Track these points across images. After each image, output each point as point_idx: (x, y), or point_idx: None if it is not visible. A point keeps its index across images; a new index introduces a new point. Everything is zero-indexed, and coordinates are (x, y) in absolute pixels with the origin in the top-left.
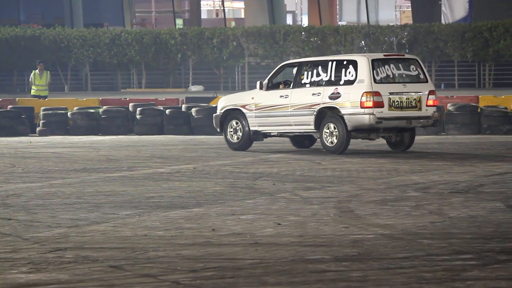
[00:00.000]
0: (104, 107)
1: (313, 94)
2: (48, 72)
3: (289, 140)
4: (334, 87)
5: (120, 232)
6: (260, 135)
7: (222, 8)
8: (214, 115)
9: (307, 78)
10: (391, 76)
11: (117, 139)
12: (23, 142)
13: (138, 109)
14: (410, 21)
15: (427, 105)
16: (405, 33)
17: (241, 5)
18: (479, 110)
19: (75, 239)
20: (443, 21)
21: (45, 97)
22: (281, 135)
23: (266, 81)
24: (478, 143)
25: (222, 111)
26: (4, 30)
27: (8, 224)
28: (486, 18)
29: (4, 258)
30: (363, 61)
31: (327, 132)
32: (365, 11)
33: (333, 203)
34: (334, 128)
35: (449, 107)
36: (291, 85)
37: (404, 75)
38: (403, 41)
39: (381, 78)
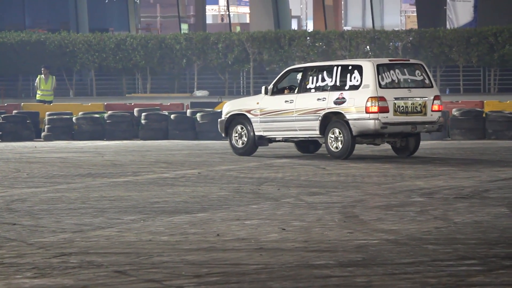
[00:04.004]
0: (109, 112)
1: (318, 99)
2: (54, 77)
3: (294, 145)
4: (339, 92)
5: (125, 237)
6: (265, 140)
7: (227, 13)
8: (219, 120)
9: (312, 83)
10: (396, 81)
11: (122, 144)
12: (28, 147)
13: (143, 114)
14: (415, 26)
15: (432, 110)
16: (410, 38)
17: (246, 10)
18: (484, 115)
19: (80, 244)
20: (448, 26)
21: (50, 102)
22: (286, 140)
23: (271, 86)
24: (483, 148)
25: (227, 116)
26: (10, 35)
27: (13, 229)
28: (491, 23)
29: (8, 263)
30: (368, 66)
31: (332, 137)
32: (370, 16)
33: (337, 208)
34: (339, 133)
35: (454, 112)
36: (296, 90)
37: (409, 80)
38: (408, 46)
39: (386, 83)
